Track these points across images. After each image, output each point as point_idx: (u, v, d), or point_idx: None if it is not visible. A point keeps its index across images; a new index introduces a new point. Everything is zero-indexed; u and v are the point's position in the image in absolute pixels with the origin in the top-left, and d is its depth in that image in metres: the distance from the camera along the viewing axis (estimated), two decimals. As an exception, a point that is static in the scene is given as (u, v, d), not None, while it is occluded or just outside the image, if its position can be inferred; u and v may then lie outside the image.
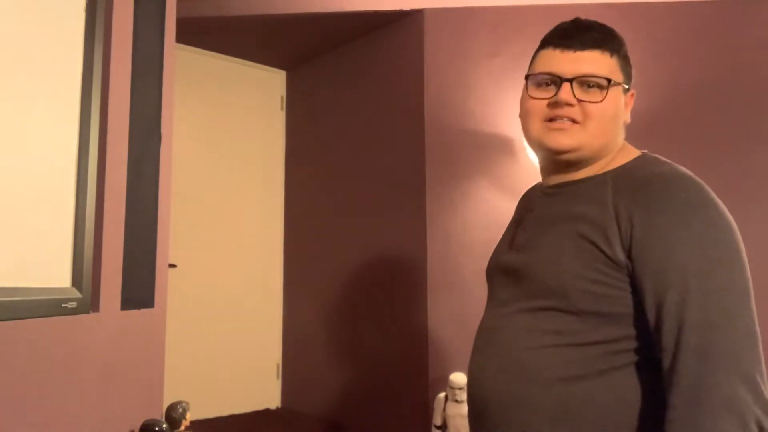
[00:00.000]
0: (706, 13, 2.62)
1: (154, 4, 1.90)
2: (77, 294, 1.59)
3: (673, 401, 0.82)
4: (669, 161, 0.99)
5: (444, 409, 2.41)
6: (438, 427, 2.43)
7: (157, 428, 1.68)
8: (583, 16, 1.09)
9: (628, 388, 0.89)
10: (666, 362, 0.84)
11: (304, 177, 3.56)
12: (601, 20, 1.09)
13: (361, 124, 3.19)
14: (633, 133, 2.74)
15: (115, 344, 1.71)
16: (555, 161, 1.03)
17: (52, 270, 1.55)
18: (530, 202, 1.13)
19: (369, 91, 3.16)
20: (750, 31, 2.59)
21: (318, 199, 3.43)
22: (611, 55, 1.02)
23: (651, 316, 0.86)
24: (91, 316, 1.64)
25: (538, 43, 1.14)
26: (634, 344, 0.90)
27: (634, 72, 1.10)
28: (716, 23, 2.61)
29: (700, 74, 2.60)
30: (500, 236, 1.22)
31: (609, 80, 0.99)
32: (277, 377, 3.52)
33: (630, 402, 0.89)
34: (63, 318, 1.53)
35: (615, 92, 1.00)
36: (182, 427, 1.87)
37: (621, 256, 0.89)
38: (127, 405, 1.73)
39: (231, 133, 3.45)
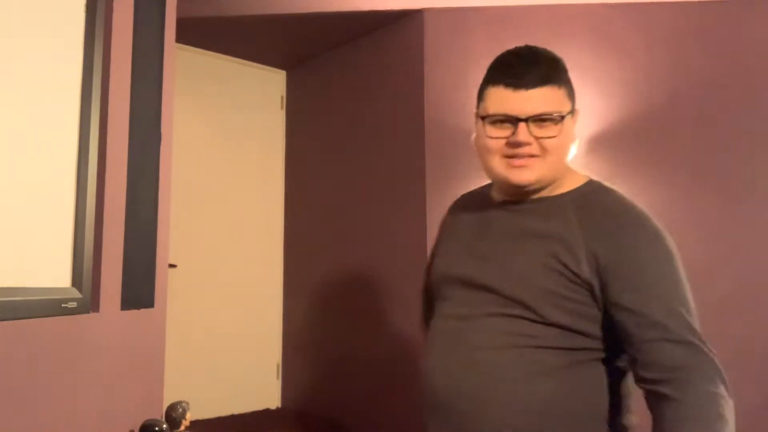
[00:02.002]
0: (706, 13, 2.62)
1: (154, 4, 1.90)
2: (77, 294, 1.59)
3: (663, 374, 0.95)
4: (614, 188, 1.10)
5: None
6: (438, 427, 2.43)
7: (157, 428, 1.68)
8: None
9: (588, 386, 1.02)
10: (647, 353, 0.98)
11: (304, 177, 3.56)
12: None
13: (361, 123, 3.19)
14: (634, 133, 2.74)
15: (115, 344, 1.71)
16: (516, 192, 1.11)
17: (52, 270, 1.55)
18: (484, 214, 1.18)
19: (369, 91, 3.16)
20: (750, 31, 2.59)
21: (318, 199, 3.43)
22: (559, 87, 1.05)
23: (630, 321, 0.99)
24: (91, 316, 1.64)
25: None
26: (593, 348, 1.03)
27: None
28: (716, 23, 2.61)
29: (699, 74, 2.60)
30: None
31: (563, 116, 1.04)
32: (277, 377, 3.52)
33: (588, 398, 1.02)
34: (63, 318, 1.53)
35: (567, 123, 1.05)
36: (182, 427, 1.87)
37: (587, 275, 1.00)
38: (127, 405, 1.73)
39: (231, 133, 3.45)
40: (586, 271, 1.00)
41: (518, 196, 1.12)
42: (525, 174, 1.05)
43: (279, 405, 3.49)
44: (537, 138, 1.03)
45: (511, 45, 1.11)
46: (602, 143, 2.58)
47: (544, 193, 1.10)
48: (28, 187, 1.48)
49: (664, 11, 2.64)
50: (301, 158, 3.59)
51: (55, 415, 1.51)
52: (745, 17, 2.60)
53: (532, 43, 1.14)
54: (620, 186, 1.15)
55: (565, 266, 1.00)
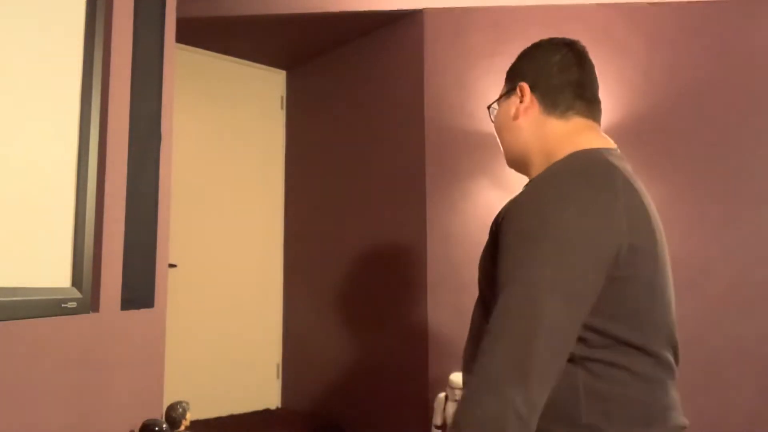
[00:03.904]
0: (706, 13, 2.62)
1: (154, 4, 1.90)
2: (77, 294, 1.59)
3: None
4: (576, 162, 0.98)
5: (444, 409, 2.41)
6: (438, 427, 2.43)
7: (157, 428, 1.68)
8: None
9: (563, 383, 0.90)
10: None
11: (304, 177, 3.56)
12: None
13: (361, 123, 3.19)
14: (634, 133, 2.74)
15: (115, 344, 1.71)
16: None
17: (52, 270, 1.55)
18: None
19: (369, 91, 3.16)
20: (750, 30, 2.59)
21: (318, 199, 3.43)
22: (505, 82, 1.18)
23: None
24: (91, 316, 1.64)
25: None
26: None
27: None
28: (716, 23, 2.61)
29: (699, 74, 2.60)
30: None
31: (495, 104, 1.19)
32: (277, 377, 3.52)
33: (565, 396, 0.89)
34: (63, 318, 1.54)
35: (502, 105, 1.16)
36: (182, 427, 1.87)
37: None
38: (127, 405, 1.73)
39: (231, 133, 3.45)
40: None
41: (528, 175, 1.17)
42: None
43: (279, 405, 3.49)
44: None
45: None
46: (602, 143, 2.58)
47: (532, 174, 1.11)
48: (28, 187, 1.48)
49: (664, 11, 2.64)
50: (301, 158, 3.59)
51: (55, 415, 1.51)
52: (745, 17, 2.60)
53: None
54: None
55: (494, 241, 0.95)
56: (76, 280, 1.60)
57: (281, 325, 3.56)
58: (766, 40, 2.57)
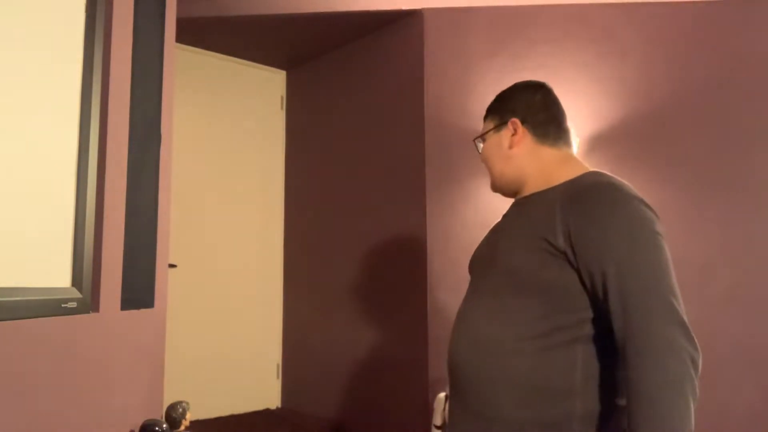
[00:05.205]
0: (706, 13, 2.62)
1: (154, 4, 1.90)
2: (77, 294, 1.59)
3: (628, 351, 1.02)
4: (608, 174, 1.19)
5: (444, 409, 2.41)
6: (438, 427, 2.43)
7: (157, 428, 1.68)
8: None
9: (564, 361, 1.10)
10: (616, 324, 1.05)
11: (304, 177, 3.56)
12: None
13: (361, 123, 3.19)
14: (634, 133, 2.74)
15: (115, 344, 1.71)
16: (508, 195, 1.40)
17: (52, 270, 1.55)
18: (506, 213, 1.40)
19: (369, 91, 3.16)
20: (750, 30, 2.59)
21: (318, 199, 3.43)
22: (487, 117, 1.39)
23: (598, 289, 1.08)
24: (91, 316, 1.64)
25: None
26: (571, 324, 1.11)
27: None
28: (716, 23, 2.61)
29: (699, 74, 2.60)
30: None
31: (482, 137, 1.39)
32: (277, 377, 3.52)
33: (565, 373, 1.10)
34: (63, 318, 1.54)
35: (490, 138, 1.37)
36: (182, 427, 1.87)
37: (562, 245, 1.11)
38: (127, 405, 1.73)
39: (231, 133, 3.45)
40: (561, 241, 1.11)
41: (514, 196, 1.36)
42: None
43: (279, 405, 3.49)
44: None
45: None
46: (602, 143, 2.58)
47: (533, 189, 1.28)
48: (28, 187, 1.48)
49: (664, 11, 2.64)
50: (301, 158, 3.59)
51: (55, 414, 1.51)
52: (745, 17, 2.60)
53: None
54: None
55: (544, 239, 1.13)
56: (76, 280, 1.60)
57: (281, 325, 3.56)
58: (766, 40, 2.57)
